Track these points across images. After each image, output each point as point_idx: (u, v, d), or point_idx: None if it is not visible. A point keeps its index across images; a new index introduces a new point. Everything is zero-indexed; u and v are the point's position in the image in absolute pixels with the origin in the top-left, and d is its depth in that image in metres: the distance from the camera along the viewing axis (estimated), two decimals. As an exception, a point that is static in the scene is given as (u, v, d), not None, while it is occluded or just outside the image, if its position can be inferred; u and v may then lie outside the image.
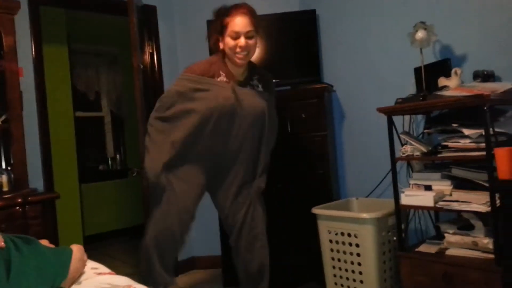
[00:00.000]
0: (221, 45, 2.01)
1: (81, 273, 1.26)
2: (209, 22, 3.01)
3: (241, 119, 1.99)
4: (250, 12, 1.97)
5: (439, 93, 2.07)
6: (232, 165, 2.08)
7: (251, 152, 2.07)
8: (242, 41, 1.93)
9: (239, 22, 1.92)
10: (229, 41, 1.94)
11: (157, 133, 2.01)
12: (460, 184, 2.01)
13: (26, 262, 0.91)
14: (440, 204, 1.98)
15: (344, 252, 2.36)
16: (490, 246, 1.86)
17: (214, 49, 2.10)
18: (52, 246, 1.19)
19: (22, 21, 2.68)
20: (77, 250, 1.21)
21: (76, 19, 4.28)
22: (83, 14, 3.99)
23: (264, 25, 2.98)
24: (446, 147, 2.01)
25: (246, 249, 2.11)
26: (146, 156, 2.03)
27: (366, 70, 2.82)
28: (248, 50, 1.96)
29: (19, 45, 2.53)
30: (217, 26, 2.00)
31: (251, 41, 1.96)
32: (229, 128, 1.99)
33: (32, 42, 2.81)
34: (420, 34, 2.12)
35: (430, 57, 2.36)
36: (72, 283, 1.15)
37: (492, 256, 1.84)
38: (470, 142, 1.91)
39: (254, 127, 2.03)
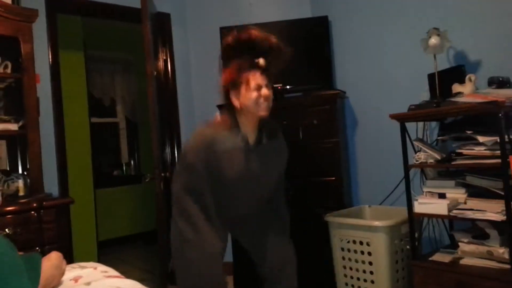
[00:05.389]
0: (235, 102, 1.86)
1: (59, 282, 1.25)
2: (222, 29, 3.05)
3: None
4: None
5: (453, 99, 2.05)
6: None
7: None
8: (265, 90, 1.85)
9: (260, 75, 1.86)
10: (252, 94, 1.83)
11: None
12: (475, 192, 1.98)
13: None
14: (454, 212, 1.95)
15: (356, 261, 2.33)
16: (506, 256, 1.83)
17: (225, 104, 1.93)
18: (20, 253, 1.17)
19: (39, 28, 2.73)
20: (55, 257, 1.21)
21: (92, 26, 4.34)
22: (99, 22, 4.05)
23: (276, 32, 3.01)
24: (460, 154, 1.98)
25: None
26: None
27: (379, 76, 2.80)
28: (270, 100, 1.90)
29: (37, 52, 2.57)
30: (233, 80, 1.85)
31: (271, 91, 1.91)
32: None
33: (49, 49, 2.88)
34: (434, 40, 2.11)
35: (444, 63, 2.34)
36: None
37: (507, 266, 1.80)
38: (485, 150, 1.88)
39: None
